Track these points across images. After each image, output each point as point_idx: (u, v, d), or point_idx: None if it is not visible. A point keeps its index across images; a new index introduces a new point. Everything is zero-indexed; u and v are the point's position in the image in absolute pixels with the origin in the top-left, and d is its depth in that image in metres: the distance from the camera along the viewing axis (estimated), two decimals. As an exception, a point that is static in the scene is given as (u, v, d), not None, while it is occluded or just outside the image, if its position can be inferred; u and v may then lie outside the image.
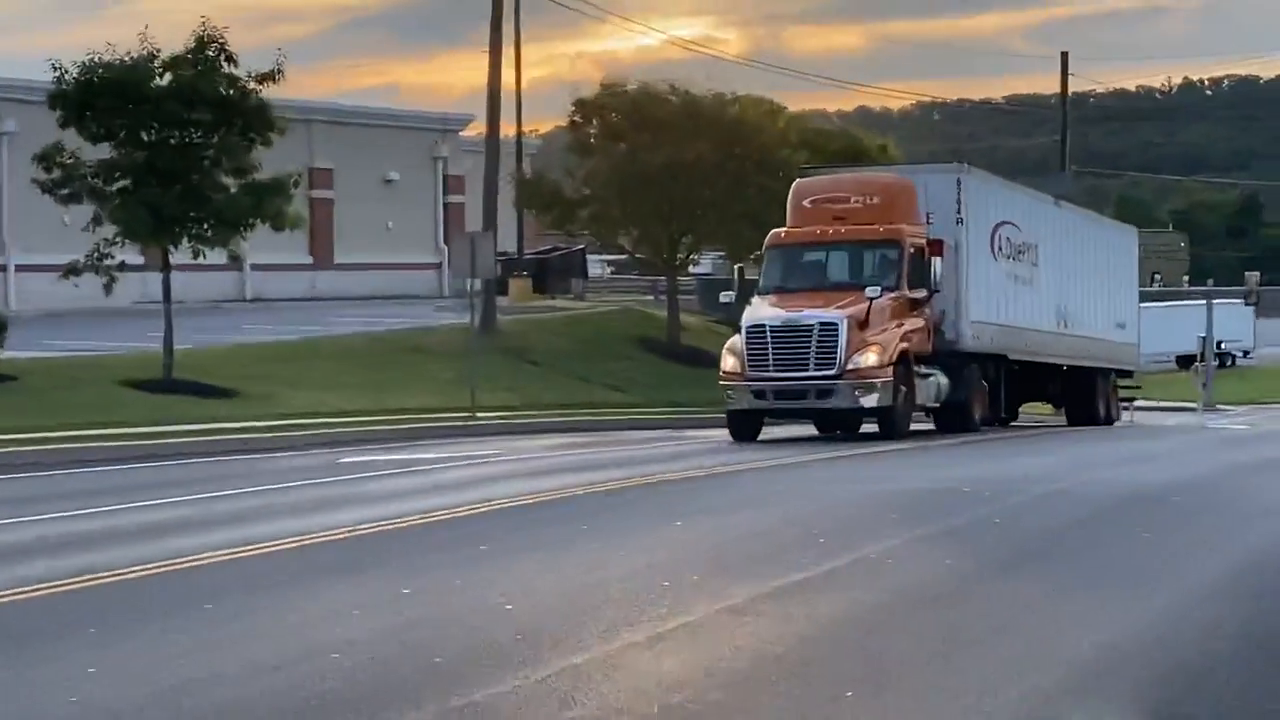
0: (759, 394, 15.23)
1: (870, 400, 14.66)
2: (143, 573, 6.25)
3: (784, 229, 17.41)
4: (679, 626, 4.24)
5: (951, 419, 17.18)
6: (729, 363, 16.04)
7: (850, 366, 14.52)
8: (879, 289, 15.16)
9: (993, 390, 19.06)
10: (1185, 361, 44.30)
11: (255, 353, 28.92)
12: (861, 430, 16.98)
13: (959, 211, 16.07)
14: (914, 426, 17.24)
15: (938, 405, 17.05)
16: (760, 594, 5.13)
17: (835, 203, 16.78)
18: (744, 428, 15.81)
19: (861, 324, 14.81)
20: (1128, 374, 23.96)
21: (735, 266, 21.27)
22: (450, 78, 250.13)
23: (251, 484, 12.83)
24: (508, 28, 38.31)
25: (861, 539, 7.30)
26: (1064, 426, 21.99)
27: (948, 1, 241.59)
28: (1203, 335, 43.95)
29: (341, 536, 7.96)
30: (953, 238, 16.25)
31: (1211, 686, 3.36)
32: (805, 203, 17.30)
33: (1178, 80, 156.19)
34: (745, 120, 35.09)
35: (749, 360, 15.35)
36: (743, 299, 17.18)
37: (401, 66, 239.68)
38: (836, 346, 14.51)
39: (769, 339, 15.17)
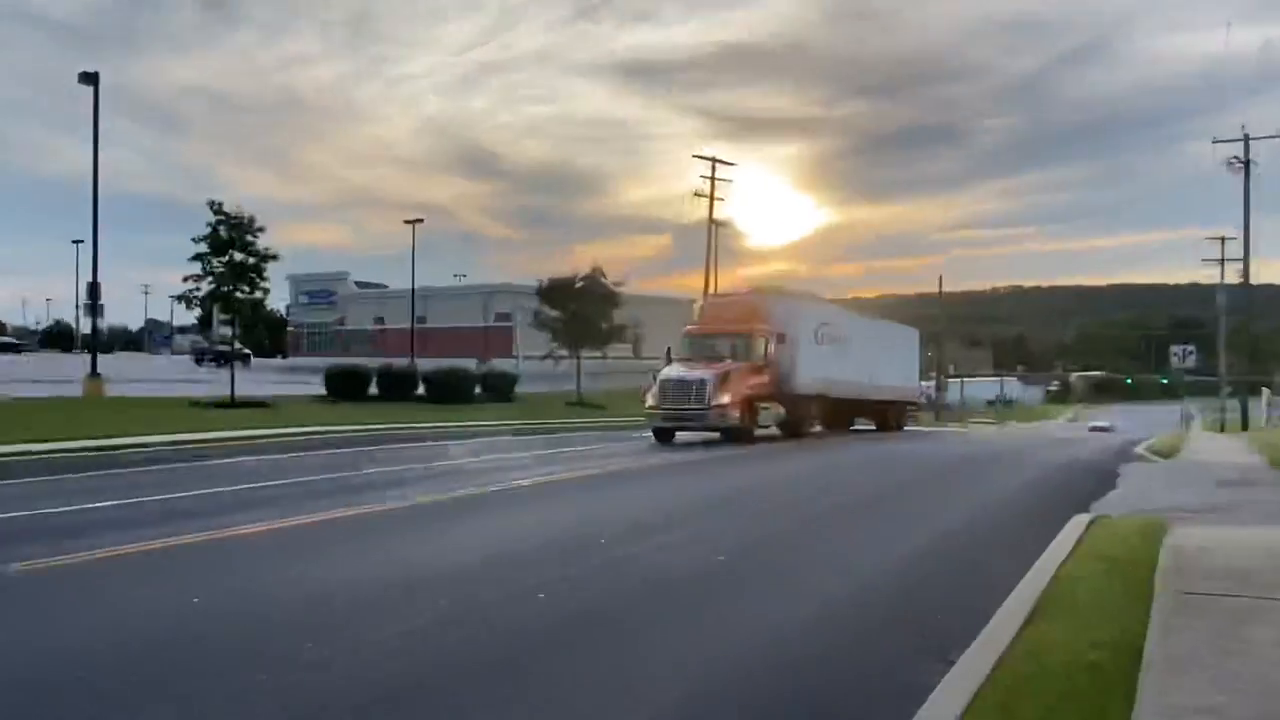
0: (666, 417, 26.79)
1: (725, 422, 25.89)
2: None
3: (690, 325, 32.04)
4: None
5: (791, 430, 29.63)
6: (649, 400, 28.27)
7: (714, 404, 25.34)
8: (727, 361, 27.31)
9: (827, 412, 34.03)
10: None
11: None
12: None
13: (794, 320, 29.07)
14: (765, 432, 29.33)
15: (777, 424, 29.40)
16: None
17: (723, 311, 30.26)
18: (661, 436, 27.90)
19: (723, 380, 26.03)
20: (914, 403, 44.40)
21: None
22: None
23: None
24: None
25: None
26: (875, 431, 39.01)
27: None
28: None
29: None
30: (790, 333, 29.27)
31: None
32: (708, 311, 31.84)
33: None
34: None
35: (660, 398, 27.08)
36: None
37: None
38: (706, 392, 25.62)
39: (671, 387, 26.81)
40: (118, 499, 13.80)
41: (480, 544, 10.67)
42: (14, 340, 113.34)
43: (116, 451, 19.12)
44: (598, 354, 53.40)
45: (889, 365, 38.27)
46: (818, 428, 33.80)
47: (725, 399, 25.31)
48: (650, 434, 28.66)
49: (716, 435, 26.71)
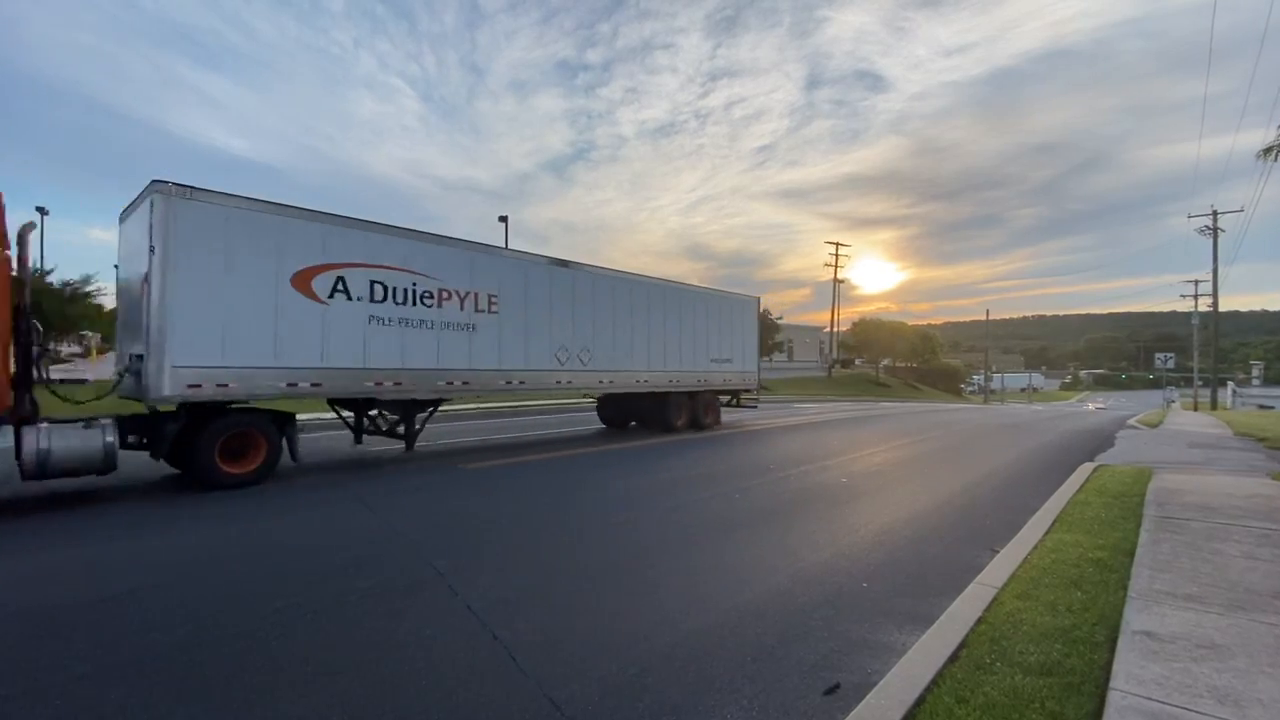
0: None
1: None
2: None
3: None
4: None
5: (184, 467, 8.14)
6: None
7: None
8: None
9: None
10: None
11: None
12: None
13: (151, 240, 7.63)
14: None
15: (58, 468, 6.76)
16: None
17: None
18: None
19: None
20: (743, 392, 18.12)
21: None
22: None
23: None
24: None
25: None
26: (661, 435, 14.89)
27: None
28: None
29: None
30: (147, 273, 7.73)
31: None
32: None
33: None
34: None
35: None
36: None
37: None
38: None
39: None
40: (514, 434, 14.46)
41: (694, 464, 10.48)
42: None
43: (514, 409, 20.45)
44: (766, 359, 53.15)
45: (663, 345, 15.62)
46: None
47: None
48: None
49: None
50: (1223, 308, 43.24)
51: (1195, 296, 48.32)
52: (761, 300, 19.31)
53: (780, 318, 51.28)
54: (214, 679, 3.23)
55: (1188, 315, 49.98)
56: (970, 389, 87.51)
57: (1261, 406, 50.15)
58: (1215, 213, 40.90)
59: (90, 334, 35.81)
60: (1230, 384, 58.46)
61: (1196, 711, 2.88)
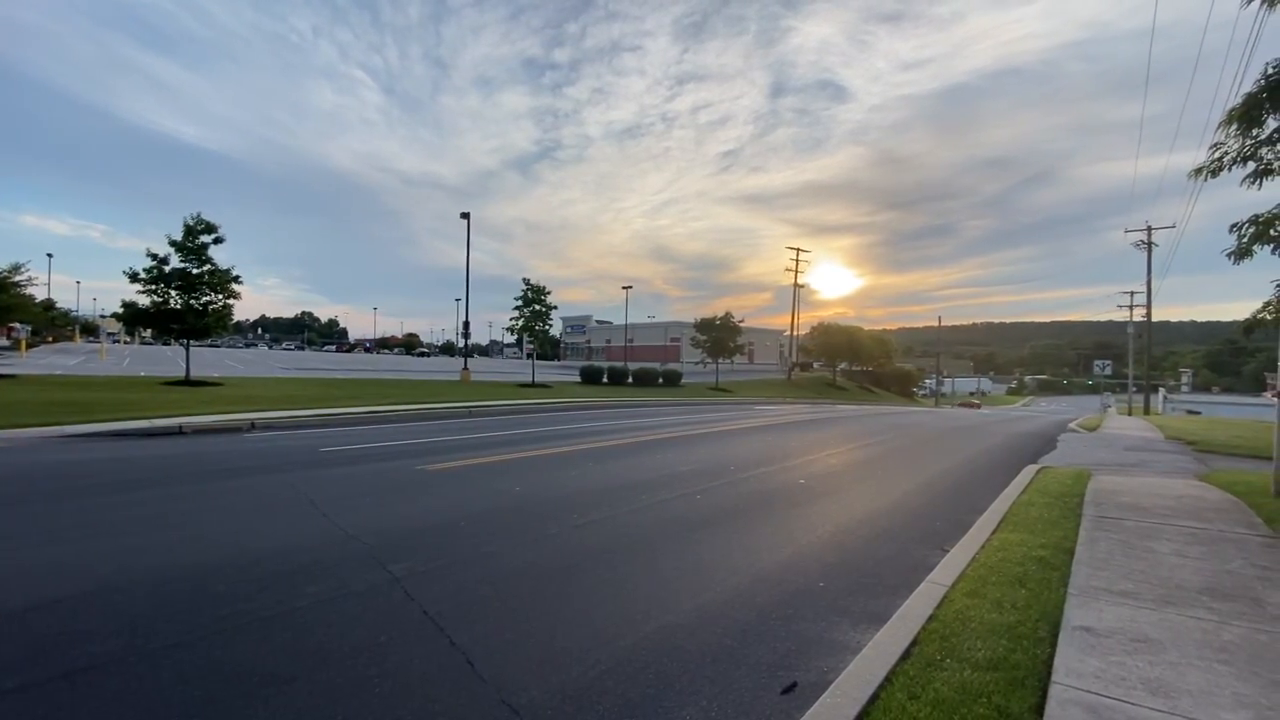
0: None
1: None
2: None
3: None
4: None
5: None
6: None
7: None
8: None
9: None
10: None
11: None
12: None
13: None
14: None
15: None
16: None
17: None
18: None
19: None
20: None
21: None
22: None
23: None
24: None
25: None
26: None
27: None
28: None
29: None
30: None
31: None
32: None
33: None
34: None
35: None
36: None
37: None
38: None
39: None
40: (475, 434, 14.27)
41: (656, 465, 10.54)
42: (425, 349, 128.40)
43: (474, 408, 20.41)
44: (728, 361, 53.80)
45: None
46: None
47: None
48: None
49: None
50: (1156, 318, 45.71)
51: (1130, 307, 50.96)
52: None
53: (741, 321, 51.81)
54: (152, 691, 3.07)
55: (1124, 324, 52.73)
56: (923, 393, 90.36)
57: (1190, 412, 53.25)
58: (1149, 228, 43.22)
59: (20, 326, 33.80)
60: (1162, 390, 62.01)
61: (1131, 702, 3.03)
